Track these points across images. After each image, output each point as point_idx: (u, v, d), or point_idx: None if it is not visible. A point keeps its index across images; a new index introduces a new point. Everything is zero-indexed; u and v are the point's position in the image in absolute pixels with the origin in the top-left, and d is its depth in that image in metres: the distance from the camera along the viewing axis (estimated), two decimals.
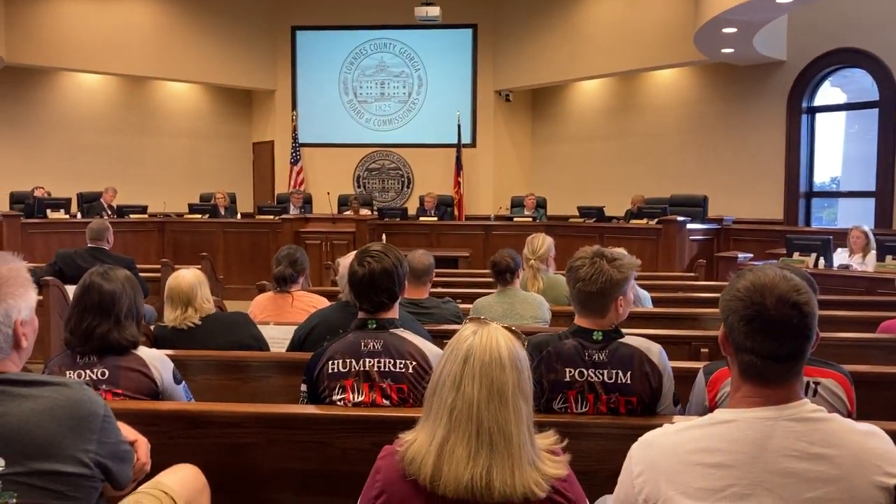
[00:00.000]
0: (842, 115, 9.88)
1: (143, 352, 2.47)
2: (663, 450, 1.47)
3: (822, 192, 10.05)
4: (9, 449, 1.55)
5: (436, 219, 10.69)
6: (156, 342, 3.20)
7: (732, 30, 8.40)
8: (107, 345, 2.38)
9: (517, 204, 11.25)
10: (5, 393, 1.59)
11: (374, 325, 2.42)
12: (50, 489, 1.58)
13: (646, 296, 4.59)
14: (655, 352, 2.29)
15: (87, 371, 2.36)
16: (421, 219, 10.67)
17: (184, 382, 2.58)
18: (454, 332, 2.19)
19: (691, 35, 9.09)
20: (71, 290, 4.83)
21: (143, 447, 1.93)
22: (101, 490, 1.73)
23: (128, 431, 1.88)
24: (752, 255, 7.30)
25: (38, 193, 9.65)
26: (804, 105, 9.60)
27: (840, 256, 6.70)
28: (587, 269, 2.29)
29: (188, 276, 3.24)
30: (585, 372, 2.25)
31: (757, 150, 10.01)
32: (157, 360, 2.48)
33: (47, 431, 1.58)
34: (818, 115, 9.72)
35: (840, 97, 9.79)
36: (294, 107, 12.69)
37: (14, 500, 1.55)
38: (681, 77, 10.92)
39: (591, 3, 11.22)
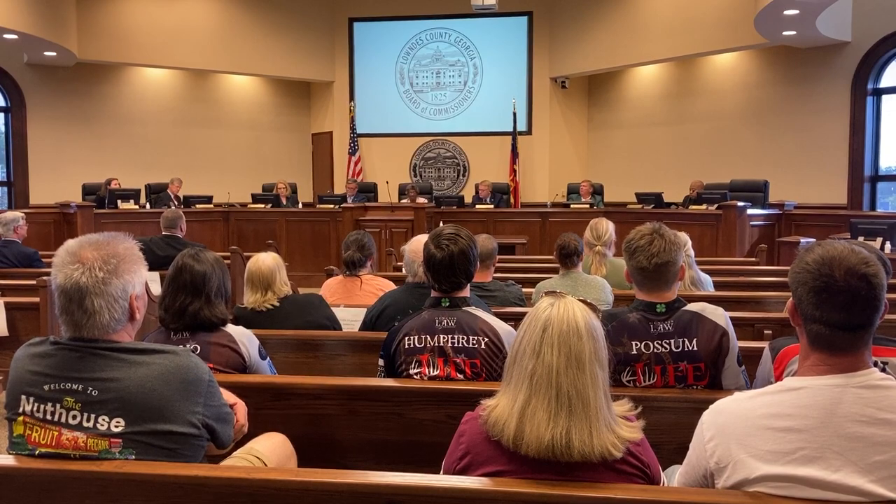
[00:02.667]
0: None
1: (232, 329, 2.63)
2: (734, 415, 1.54)
3: (889, 175, 9.80)
4: (128, 410, 1.71)
5: (492, 206, 10.77)
6: (236, 323, 3.36)
7: (794, 12, 8.24)
8: (198, 322, 2.54)
9: (573, 191, 11.23)
10: (122, 360, 1.75)
11: (448, 304, 2.54)
12: (164, 447, 1.74)
13: (707, 280, 4.60)
14: (719, 313, 2.35)
15: (180, 346, 2.52)
16: (477, 207, 10.76)
17: (268, 358, 2.74)
18: (519, 314, 2.28)
19: (751, 18, 8.94)
20: (148, 276, 5.08)
21: (241, 410, 2.09)
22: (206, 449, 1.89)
23: (228, 396, 2.04)
24: (814, 239, 7.20)
25: (113, 185, 10.02)
26: (869, 87, 9.36)
27: None
28: (658, 243, 2.37)
29: (268, 261, 3.38)
30: (651, 344, 2.32)
31: (819, 133, 9.81)
32: (245, 337, 2.64)
33: (161, 395, 1.74)
34: (884, 97, 9.46)
35: None
36: (352, 97, 12.89)
37: (133, 457, 1.71)
38: (740, 61, 10.75)
39: None
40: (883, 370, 2.14)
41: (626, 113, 12.42)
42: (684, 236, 4.27)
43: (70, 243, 1.79)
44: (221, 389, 1.95)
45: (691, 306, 2.37)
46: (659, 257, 2.35)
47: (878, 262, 1.50)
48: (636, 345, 2.33)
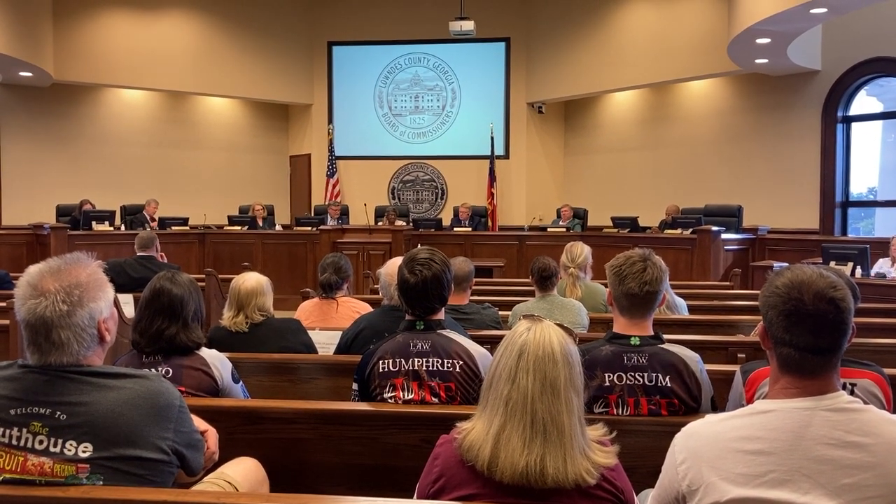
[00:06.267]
0: (878, 124, 9.81)
1: (205, 352, 2.60)
2: (705, 438, 1.55)
3: (859, 201, 9.97)
4: (97, 435, 1.68)
5: (470, 229, 10.81)
6: (211, 343, 3.31)
7: (766, 40, 8.41)
8: (174, 346, 2.51)
9: (560, 215, 11.26)
10: (92, 384, 1.72)
11: (422, 327, 2.53)
12: (133, 473, 1.70)
13: (682, 304, 4.64)
14: (694, 360, 2.35)
15: (152, 370, 2.48)
16: (455, 229, 10.80)
17: (241, 381, 2.71)
18: (495, 337, 2.27)
19: (725, 46, 9.12)
20: (122, 298, 5.02)
21: (212, 437, 2.06)
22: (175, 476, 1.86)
23: (199, 422, 2.00)
24: (787, 264, 7.26)
25: (87, 207, 9.92)
26: (839, 114, 9.54)
27: (882, 266, 6.65)
28: (651, 271, 2.35)
29: (249, 283, 3.34)
30: (624, 376, 2.30)
31: (791, 159, 9.97)
32: (218, 360, 2.61)
33: (130, 420, 1.71)
34: (854, 125, 9.65)
35: (876, 106, 9.73)
36: (330, 120, 12.91)
37: (101, 483, 1.68)
38: (714, 88, 10.93)
39: (624, 15, 11.29)
40: (851, 392, 2.17)
41: (601, 138, 12.55)
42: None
43: (31, 272, 1.75)
44: (193, 416, 1.92)
45: (669, 347, 2.36)
46: (651, 285, 2.34)
47: (846, 287, 1.53)
48: (609, 377, 2.31)
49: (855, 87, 9.48)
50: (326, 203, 11.81)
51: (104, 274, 1.85)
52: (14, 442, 1.67)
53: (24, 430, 1.67)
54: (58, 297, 1.70)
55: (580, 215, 11.04)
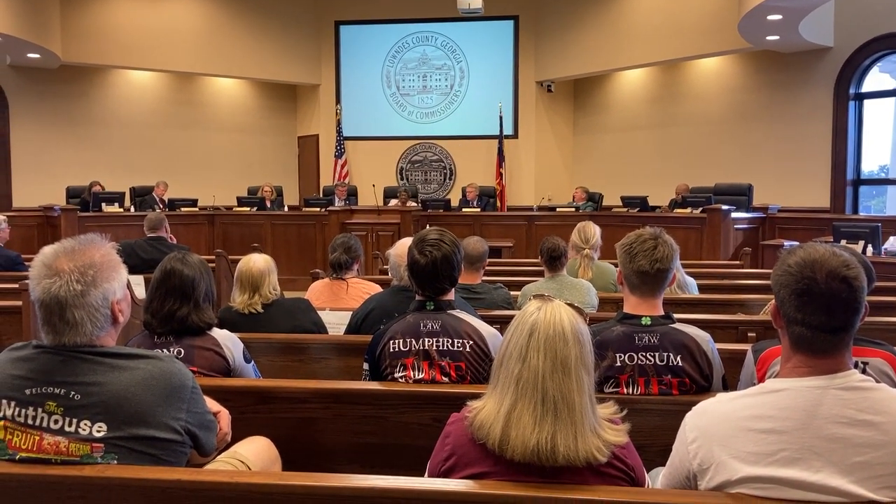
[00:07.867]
0: (891, 101, 9.69)
1: (217, 332, 2.61)
2: (716, 417, 1.55)
3: (870, 179, 9.89)
4: (110, 415, 1.70)
5: (478, 210, 10.79)
6: (221, 325, 3.33)
7: (777, 17, 8.31)
8: (185, 327, 2.53)
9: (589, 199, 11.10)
10: (106, 364, 1.74)
11: (433, 307, 2.53)
12: (146, 453, 1.73)
13: (692, 283, 4.63)
14: (705, 340, 2.34)
15: (164, 350, 2.50)
16: (464, 210, 10.77)
17: (253, 361, 2.73)
18: (506, 317, 2.27)
19: (735, 23, 9.01)
20: (132, 279, 5.05)
21: (224, 418, 2.08)
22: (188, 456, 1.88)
23: (211, 403, 2.03)
24: (797, 243, 7.23)
25: (97, 189, 9.95)
26: (852, 91, 9.44)
27: (894, 244, 6.60)
28: (662, 249, 2.34)
29: (259, 262, 3.34)
30: (636, 356, 2.30)
31: (803, 137, 9.88)
32: (229, 340, 2.63)
33: (143, 400, 1.72)
34: (866, 102, 9.55)
35: (889, 83, 9.62)
36: (338, 101, 12.87)
37: (115, 462, 1.70)
38: (725, 65, 10.82)
39: None
40: (863, 371, 2.16)
41: (611, 117, 12.47)
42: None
43: (45, 253, 1.77)
44: (205, 397, 1.94)
45: (681, 327, 2.35)
46: (662, 263, 2.33)
47: (859, 265, 1.52)
48: (620, 357, 2.31)
49: (867, 63, 9.36)
50: (334, 184, 11.80)
51: (117, 255, 1.86)
52: (30, 421, 1.70)
53: (40, 410, 1.70)
54: (72, 277, 1.71)
55: (595, 199, 10.91)
